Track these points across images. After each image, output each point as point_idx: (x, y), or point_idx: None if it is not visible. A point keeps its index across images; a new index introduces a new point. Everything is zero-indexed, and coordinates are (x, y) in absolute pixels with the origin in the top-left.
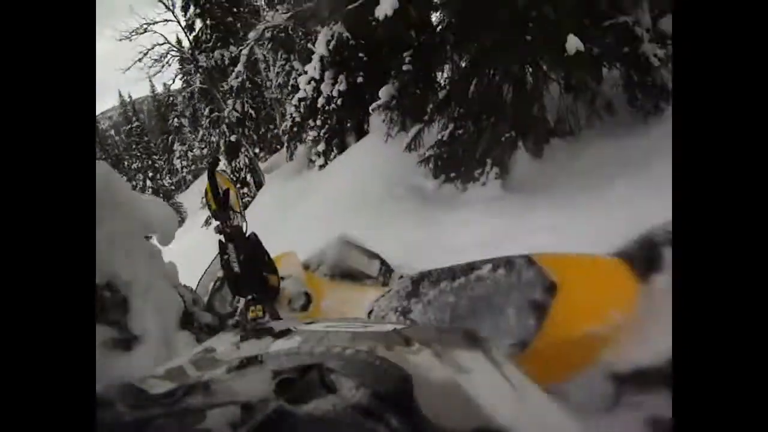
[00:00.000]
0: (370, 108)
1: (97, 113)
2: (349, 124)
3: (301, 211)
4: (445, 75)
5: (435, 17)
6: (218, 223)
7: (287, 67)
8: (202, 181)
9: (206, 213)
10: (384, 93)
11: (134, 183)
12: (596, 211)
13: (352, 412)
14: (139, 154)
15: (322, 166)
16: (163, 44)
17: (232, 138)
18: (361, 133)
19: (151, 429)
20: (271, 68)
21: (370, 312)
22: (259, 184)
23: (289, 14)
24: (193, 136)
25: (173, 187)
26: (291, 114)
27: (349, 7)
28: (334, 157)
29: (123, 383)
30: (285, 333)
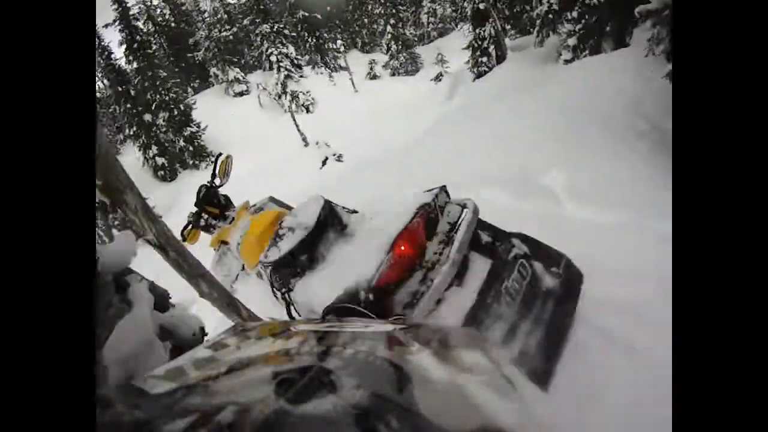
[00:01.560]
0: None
1: None
2: (608, 29)
3: (529, 100)
4: None
5: None
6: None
7: None
8: (446, 40)
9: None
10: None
11: (375, 27)
12: None
13: (352, 412)
14: (383, 1)
15: (567, 61)
16: None
17: (481, 6)
18: (620, 42)
19: (151, 429)
20: None
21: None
22: (500, 58)
23: None
24: None
25: (416, 39)
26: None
27: None
28: (584, 56)
29: (123, 383)
30: (285, 333)
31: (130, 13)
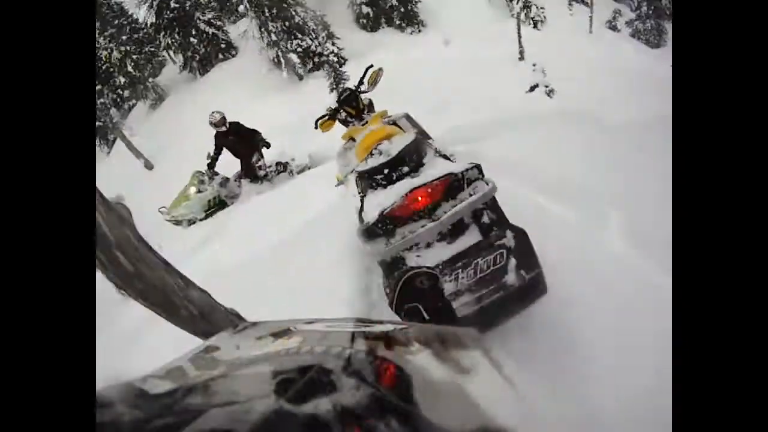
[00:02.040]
0: None
1: None
2: None
3: None
4: None
5: None
6: None
7: None
8: None
9: None
10: None
11: None
12: None
13: (352, 412)
14: None
15: None
16: None
17: None
18: None
19: (151, 429)
20: None
21: None
22: None
23: None
24: None
25: None
26: None
27: None
28: None
29: (123, 383)
30: (285, 333)
31: None
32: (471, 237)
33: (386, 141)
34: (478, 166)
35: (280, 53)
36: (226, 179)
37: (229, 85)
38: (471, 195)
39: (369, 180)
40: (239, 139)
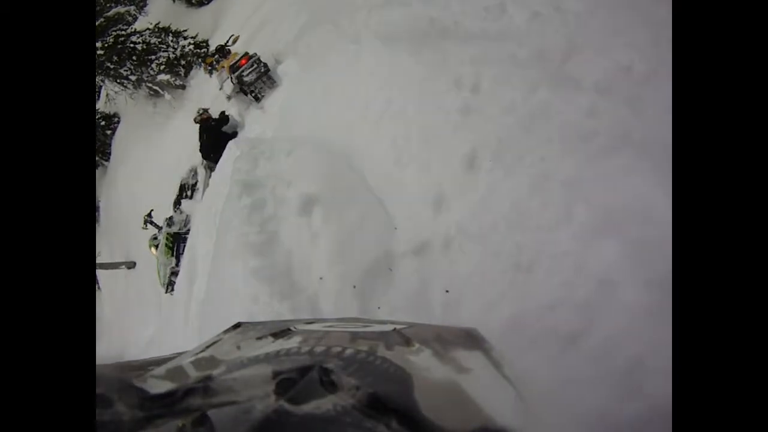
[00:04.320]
0: None
1: None
2: None
3: None
4: None
5: None
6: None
7: None
8: None
9: None
10: None
11: None
12: None
13: (352, 412)
14: None
15: None
16: None
17: None
18: None
19: (151, 429)
20: None
21: None
22: None
23: None
24: None
25: None
26: None
27: None
28: None
29: (123, 383)
30: (285, 333)
31: None
32: None
33: None
34: None
35: (148, 86)
36: (169, 217)
37: (133, 144)
38: None
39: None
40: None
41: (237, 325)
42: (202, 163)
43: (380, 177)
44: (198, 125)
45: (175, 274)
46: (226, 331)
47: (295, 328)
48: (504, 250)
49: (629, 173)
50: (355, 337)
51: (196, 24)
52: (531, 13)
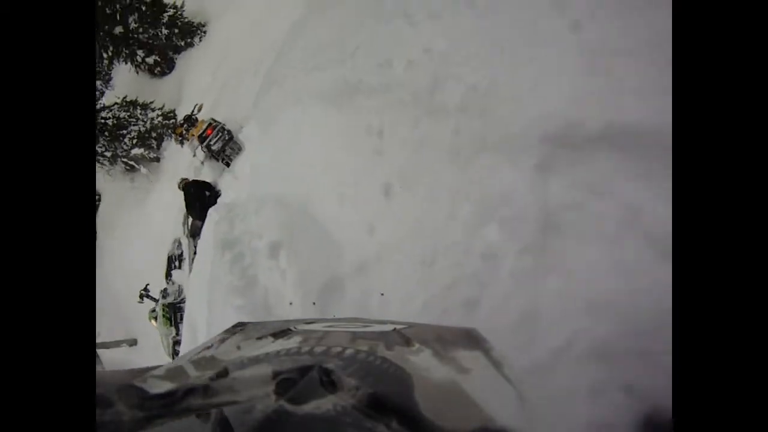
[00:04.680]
0: None
1: None
2: None
3: None
4: None
5: None
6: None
7: None
8: None
9: None
10: None
11: None
12: None
13: (352, 412)
14: None
15: None
16: None
17: None
18: None
19: (151, 429)
20: None
21: None
22: None
23: None
24: None
25: None
26: None
27: None
28: None
29: (123, 383)
30: (285, 333)
31: None
32: None
33: None
34: None
35: (123, 161)
36: (164, 289)
37: (117, 221)
38: None
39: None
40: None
41: (237, 325)
42: (185, 233)
43: (327, 215)
44: (183, 191)
45: (177, 342)
46: (227, 331)
47: (295, 328)
48: (413, 253)
49: (494, 170)
50: (355, 337)
51: (162, 94)
52: (407, 61)
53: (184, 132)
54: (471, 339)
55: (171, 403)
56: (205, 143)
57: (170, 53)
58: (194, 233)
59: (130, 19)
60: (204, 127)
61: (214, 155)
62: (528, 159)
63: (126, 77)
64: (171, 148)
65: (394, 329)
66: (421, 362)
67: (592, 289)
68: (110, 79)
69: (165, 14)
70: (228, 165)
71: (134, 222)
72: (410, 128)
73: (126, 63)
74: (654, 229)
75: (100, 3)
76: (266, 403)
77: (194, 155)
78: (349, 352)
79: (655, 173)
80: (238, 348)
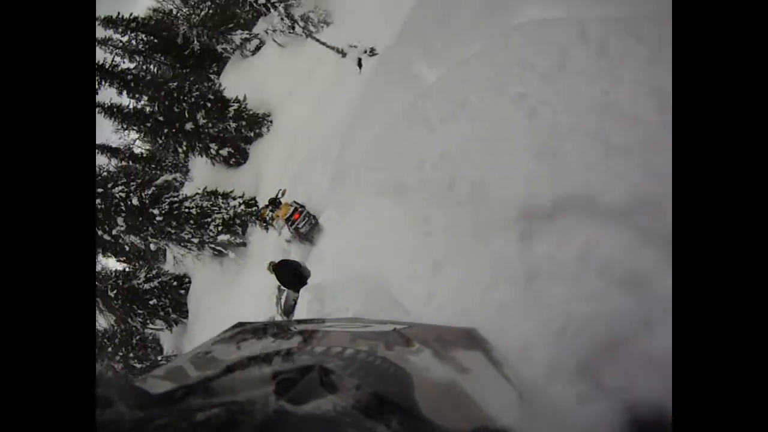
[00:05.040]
0: None
1: None
2: None
3: None
4: None
5: None
6: None
7: None
8: None
9: None
10: None
11: None
12: None
13: (352, 412)
14: None
15: None
16: None
17: None
18: None
19: (151, 429)
20: None
21: None
22: None
23: None
24: None
25: None
26: None
27: None
28: None
29: (123, 383)
30: (285, 333)
31: (107, 66)
32: None
33: None
34: None
35: (211, 247)
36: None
37: (208, 301)
38: None
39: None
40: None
41: (237, 325)
42: (279, 312)
43: (397, 287)
44: (274, 272)
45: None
46: (227, 332)
47: (295, 328)
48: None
49: (508, 244)
50: (355, 337)
51: (239, 183)
52: (431, 164)
53: (268, 215)
54: (471, 339)
55: (171, 403)
56: (293, 226)
57: (242, 144)
58: (288, 312)
59: (198, 116)
60: (291, 210)
61: (300, 237)
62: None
63: (203, 169)
64: (256, 233)
65: (394, 329)
66: (421, 362)
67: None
68: (188, 171)
69: (230, 108)
70: (312, 244)
71: (226, 302)
72: (446, 216)
73: (201, 156)
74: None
75: (166, 103)
76: (266, 403)
77: (280, 234)
78: (349, 352)
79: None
80: (238, 348)
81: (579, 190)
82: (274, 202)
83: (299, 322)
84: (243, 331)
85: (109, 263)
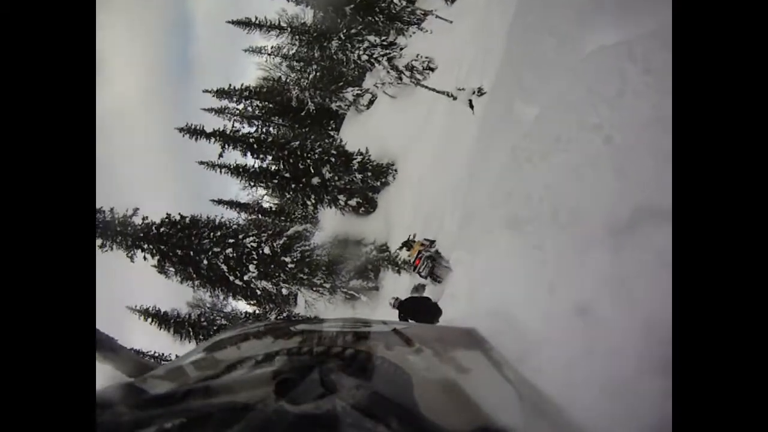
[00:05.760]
0: None
1: None
2: None
3: None
4: None
5: None
6: None
7: None
8: None
9: None
10: None
11: None
12: None
13: (352, 412)
14: None
15: None
16: None
17: None
18: None
19: (151, 429)
20: None
21: None
22: None
23: None
24: None
25: None
26: None
27: None
28: None
29: (123, 383)
30: (285, 333)
31: (228, 132)
32: None
33: None
34: None
35: (343, 291)
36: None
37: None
38: None
39: None
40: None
41: (237, 326)
42: None
43: (520, 312)
44: (398, 308)
45: None
46: (226, 332)
47: (295, 328)
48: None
49: None
50: (355, 337)
51: (370, 230)
52: (538, 198)
53: (407, 256)
54: (471, 339)
55: (171, 404)
56: (421, 267)
57: (370, 193)
58: None
59: (324, 170)
60: (419, 251)
61: (432, 277)
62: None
63: (333, 218)
64: (388, 276)
65: (394, 329)
66: (421, 362)
67: None
68: (318, 221)
69: (354, 161)
70: (440, 283)
71: None
72: (553, 241)
73: (330, 207)
74: None
75: (291, 161)
76: (266, 403)
77: (411, 274)
78: (349, 352)
79: None
80: (238, 348)
81: (651, 202)
82: (407, 244)
83: (299, 322)
84: (243, 331)
85: (240, 305)
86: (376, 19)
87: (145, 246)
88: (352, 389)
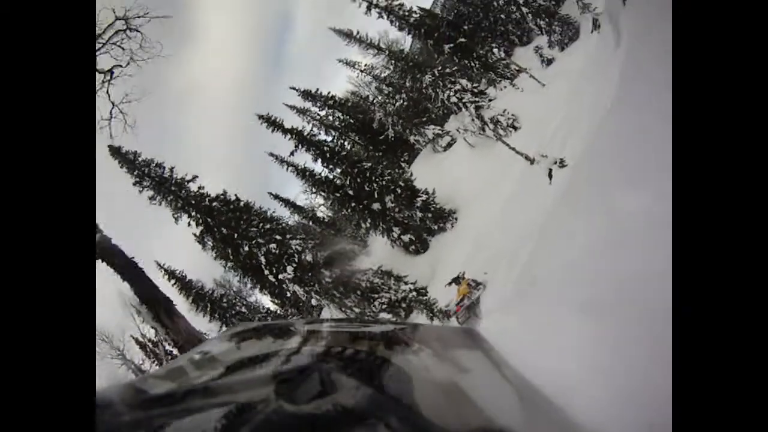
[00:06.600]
0: None
1: None
2: None
3: None
4: None
5: None
6: None
7: None
8: None
9: None
10: None
11: (513, 15)
12: None
13: (352, 411)
14: None
15: None
16: None
17: None
18: None
19: (151, 429)
20: None
21: None
22: None
23: None
24: None
25: (553, 2)
26: None
27: None
28: None
29: (123, 383)
30: (285, 333)
31: (305, 133)
32: None
33: None
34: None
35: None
36: None
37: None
38: None
39: None
40: None
41: (237, 326)
42: None
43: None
44: None
45: None
46: (227, 331)
47: (295, 328)
48: None
49: None
50: (355, 337)
51: (414, 270)
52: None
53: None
54: (471, 339)
55: (171, 404)
56: (460, 314)
57: (424, 234)
58: None
59: (387, 199)
60: (461, 299)
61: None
62: None
63: (382, 248)
64: (418, 319)
65: (394, 329)
66: (421, 362)
67: None
68: (367, 246)
69: (418, 199)
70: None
71: None
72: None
73: (383, 236)
74: None
75: (358, 180)
76: (266, 403)
77: (441, 322)
78: (349, 352)
79: None
80: (238, 348)
81: None
82: (456, 280)
83: (299, 322)
84: (243, 331)
85: (264, 300)
86: (472, 64)
87: (193, 213)
88: (352, 389)
